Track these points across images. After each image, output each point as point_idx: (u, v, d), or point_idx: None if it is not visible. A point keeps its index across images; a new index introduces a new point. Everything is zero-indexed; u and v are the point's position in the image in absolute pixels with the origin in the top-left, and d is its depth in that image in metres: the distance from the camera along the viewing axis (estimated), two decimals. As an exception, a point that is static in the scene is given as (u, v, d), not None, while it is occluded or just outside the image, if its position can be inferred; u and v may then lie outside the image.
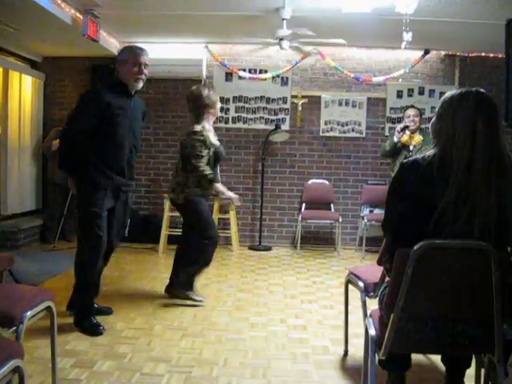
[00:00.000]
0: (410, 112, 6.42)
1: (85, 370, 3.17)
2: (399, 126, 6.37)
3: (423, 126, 7.55)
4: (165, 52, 7.50)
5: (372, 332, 2.40)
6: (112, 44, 7.32)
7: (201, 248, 4.54)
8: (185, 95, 7.72)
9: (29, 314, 2.55)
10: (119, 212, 4.15)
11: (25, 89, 7.54)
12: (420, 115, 6.46)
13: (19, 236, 6.97)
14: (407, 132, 6.30)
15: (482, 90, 2.25)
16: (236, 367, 3.31)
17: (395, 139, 6.33)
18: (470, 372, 2.70)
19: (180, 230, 7.11)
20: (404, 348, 2.36)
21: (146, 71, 3.98)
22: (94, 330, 3.81)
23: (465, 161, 2.13)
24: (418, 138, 6.30)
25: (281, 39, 6.10)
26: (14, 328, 2.47)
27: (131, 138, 4.04)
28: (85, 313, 3.90)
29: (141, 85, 4.00)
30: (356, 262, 6.75)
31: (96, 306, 4.12)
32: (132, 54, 3.94)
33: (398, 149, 6.36)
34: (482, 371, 2.57)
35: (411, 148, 6.29)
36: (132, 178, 4.21)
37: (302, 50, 7.50)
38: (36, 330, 3.52)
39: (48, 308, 2.76)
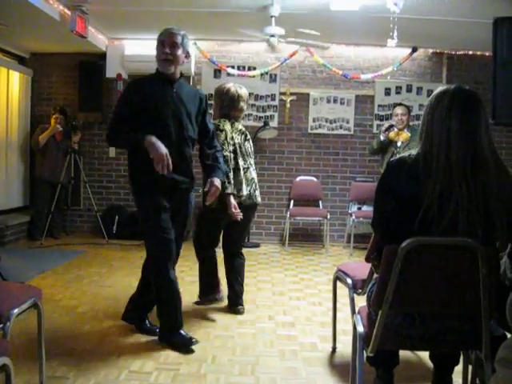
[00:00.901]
0: (398, 110, 6.46)
1: (72, 367, 3.16)
2: (384, 126, 6.42)
3: (411, 124, 7.60)
4: (153, 48, 7.44)
5: (360, 329, 2.41)
6: (100, 40, 7.29)
7: None
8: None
9: (16, 311, 2.53)
10: (178, 213, 3.74)
11: (12, 85, 7.49)
12: (408, 112, 6.50)
13: (6, 233, 6.92)
14: (395, 129, 6.34)
15: (462, 87, 2.27)
16: (224, 364, 3.31)
17: (381, 138, 6.39)
18: (458, 368, 2.71)
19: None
20: (392, 345, 2.37)
21: (173, 51, 3.56)
22: (186, 345, 3.53)
23: (443, 159, 2.16)
24: (405, 134, 6.33)
25: (269, 36, 6.09)
26: (1, 326, 2.45)
27: (178, 127, 3.59)
28: (172, 327, 3.63)
29: (171, 68, 3.60)
30: (344, 258, 6.77)
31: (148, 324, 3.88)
32: (158, 36, 3.63)
33: (386, 146, 6.41)
34: (470, 368, 2.59)
35: (398, 144, 6.33)
36: (187, 174, 3.78)
37: (290, 47, 7.49)
38: (23, 327, 3.50)
39: (35, 305, 2.75)
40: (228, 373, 3.18)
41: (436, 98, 2.27)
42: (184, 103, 3.65)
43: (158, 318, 3.67)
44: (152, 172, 3.39)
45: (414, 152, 2.28)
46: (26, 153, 7.85)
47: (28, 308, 2.69)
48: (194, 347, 3.53)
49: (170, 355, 3.42)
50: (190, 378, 3.08)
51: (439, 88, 2.32)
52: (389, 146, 6.41)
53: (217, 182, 3.80)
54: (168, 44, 3.56)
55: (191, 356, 3.42)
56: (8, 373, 2.08)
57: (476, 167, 2.16)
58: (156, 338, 3.68)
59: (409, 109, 6.56)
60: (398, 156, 2.39)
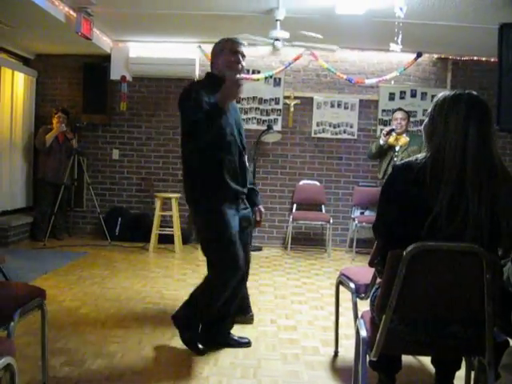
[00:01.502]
0: (398, 115, 6.49)
1: (75, 368, 3.16)
2: (385, 130, 6.41)
3: (415, 128, 7.61)
4: (158, 51, 7.50)
5: (363, 333, 2.41)
6: (105, 42, 7.31)
7: None
8: (177, 94, 7.71)
9: (20, 311, 2.54)
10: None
11: (17, 86, 7.52)
12: (408, 118, 6.53)
13: (9, 233, 6.94)
14: (393, 134, 6.35)
15: (474, 93, 2.26)
16: (226, 367, 3.31)
17: (381, 142, 6.38)
18: (460, 374, 2.71)
19: (171, 230, 7.14)
20: (395, 349, 2.38)
21: (243, 63, 3.57)
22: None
23: (457, 164, 2.14)
24: (404, 139, 6.34)
25: (274, 40, 6.10)
26: (5, 326, 2.45)
27: (238, 136, 3.57)
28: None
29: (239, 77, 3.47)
30: (346, 263, 6.77)
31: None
32: (229, 42, 3.57)
33: (385, 150, 6.43)
34: (472, 373, 2.59)
35: (397, 149, 6.34)
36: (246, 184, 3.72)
37: (295, 51, 7.50)
38: (27, 328, 3.50)
39: (39, 306, 2.75)
40: (230, 375, 3.18)
41: (449, 103, 2.22)
42: (237, 112, 3.69)
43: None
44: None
45: (420, 156, 2.26)
46: (29, 154, 7.87)
47: (32, 308, 2.69)
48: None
49: (172, 357, 3.42)
50: (193, 381, 3.08)
51: (446, 92, 2.29)
52: (387, 151, 6.42)
53: (262, 208, 3.85)
54: (242, 54, 3.59)
55: (194, 358, 3.42)
56: (12, 372, 2.09)
57: (488, 175, 2.16)
58: (159, 340, 3.70)
59: (408, 114, 6.58)
60: (402, 160, 2.38)
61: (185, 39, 7.49)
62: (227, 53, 3.54)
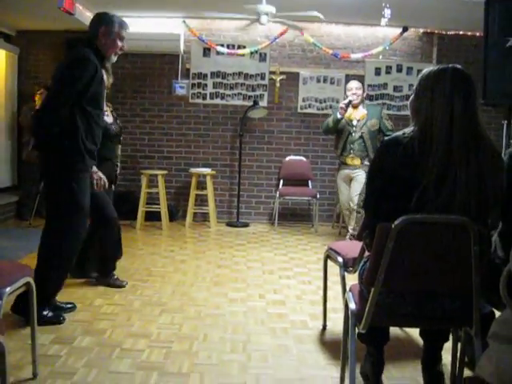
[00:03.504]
0: (352, 84, 6.27)
1: (64, 345, 3.16)
2: (343, 102, 6.15)
3: (401, 104, 7.61)
4: (142, 26, 7.39)
5: (352, 306, 2.43)
6: (88, 18, 7.15)
7: None
8: (162, 70, 7.65)
9: (8, 290, 2.52)
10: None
11: (-2, 63, 7.40)
12: (362, 88, 6.33)
13: (-6, 213, 6.89)
14: (350, 106, 6.15)
15: (458, 67, 2.26)
16: (216, 342, 3.33)
17: (339, 116, 6.10)
18: (447, 346, 2.75)
19: (158, 206, 7.12)
20: (384, 322, 2.40)
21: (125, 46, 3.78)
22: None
23: (444, 138, 2.15)
24: (361, 112, 6.17)
25: (260, 14, 6.05)
26: (-6, 304, 2.44)
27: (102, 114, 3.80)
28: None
29: (115, 60, 3.77)
30: (333, 238, 6.80)
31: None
32: (119, 27, 3.67)
33: (342, 125, 6.19)
34: (459, 345, 2.62)
35: (354, 123, 6.15)
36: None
37: (280, 25, 7.45)
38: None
39: (27, 284, 2.74)
40: (220, 350, 3.20)
41: (434, 78, 2.24)
42: None
43: None
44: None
45: (407, 130, 2.27)
46: (13, 132, 7.78)
47: (20, 287, 2.68)
48: (184, 326, 3.57)
49: (161, 333, 3.43)
50: (182, 356, 3.09)
51: (430, 68, 2.30)
52: (344, 126, 6.18)
53: None
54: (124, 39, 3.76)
55: (183, 334, 3.43)
56: (2, 351, 2.08)
57: (475, 148, 2.17)
58: (148, 316, 3.71)
59: (363, 84, 6.41)
60: (391, 135, 2.38)
61: (169, 14, 7.39)
62: (115, 37, 3.66)
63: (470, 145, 2.16)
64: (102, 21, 3.65)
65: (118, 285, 4.37)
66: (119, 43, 3.68)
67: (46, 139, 3.46)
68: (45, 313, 3.48)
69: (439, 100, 2.19)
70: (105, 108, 4.03)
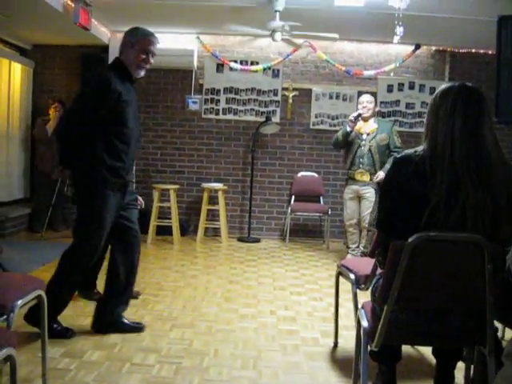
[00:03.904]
0: (364, 98, 6.15)
1: (74, 359, 3.16)
2: (352, 115, 6.04)
3: (413, 121, 7.61)
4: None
5: (365, 324, 2.41)
6: (103, 33, 7.28)
7: None
8: (176, 85, 7.71)
9: (20, 302, 2.53)
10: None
11: (14, 76, 7.47)
12: (375, 102, 6.22)
13: (7, 225, 6.92)
14: (360, 120, 6.06)
15: (466, 84, 2.27)
16: (226, 358, 3.32)
17: (348, 128, 6.01)
18: (460, 364, 2.72)
19: (169, 221, 7.14)
20: (396, 340, 2.38)
21: (152, 61, 3.65)
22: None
23: (448, 156, 2.16)
24: (371, 125, 6.06)
25: (273, 31, 6.08)
26: (5, 317, 2.45)
27: (136, 130, 3.69)
28: None
29: (142, 74, 3.65)
30: (344, 254, 6.75)
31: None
32: (143, 39, 3.56)
33: (352, 138, 6.08)
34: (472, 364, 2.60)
35: (364, 137, 6.02)
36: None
37: (293, 43, 7.48)
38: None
39: (39, 296, 2.74)
40: (230, 366, 3.18)
41: (440, 96, 2.26)
42: (136, 105, 3.82)
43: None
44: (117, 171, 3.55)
45: (419, 149, 2.28)
46: (27, 145, 7.84)
47: (32, 299, 2.68)
48: (195, 341, 3.55)
49: (172, 348, 3.42)
50: (193, 371, 3.08)
51: (443, 85, 2.32)
52: (354, 139, 6.07)
53: None
54: (152, 54, 3.65)
55: (193, 349, 3.42)
56: (13, 363, 2.08)
57: (480, 165, 2.16)
58: (158, 331, 3.70)
59: (375, 98, 6.31)
60: (402, 153, 2.37)
61: (183, 30, 7.46)
62: (139, 49, 3.56)
63: (473, 160, 2.15)
64: (127, 33, 3.62)
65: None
66: (142, 56, 3.54)
67: (67, 155, 3.49)
68: (55, 326, 3.48)
69: (443, 117, 2.21)
70: None
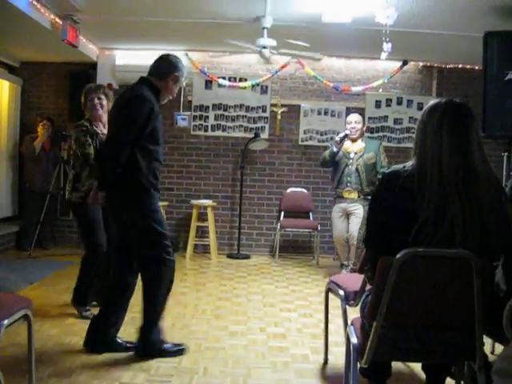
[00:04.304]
0: (352, 118, 6.17)
1: (62, 379, 3.12)
2: (338, 136, 6.08)
3: (401, 136, 7.65)
4: (144, 59, 7.39)
5: (354, 340, 2.40)
6: (91, 50, 7.28)
7: None
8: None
9: (6, 322, 2.49)
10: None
11: (2, 94, 7.46)
12: (363, 121, 6.24)
13: (-6, 243, 6.87)
14: (347, 140, 6.07)
15: (453, 100, 2.29)
16: (216, 376, 3.29)
17: (334, 149, 6.05)
18: (450, 380, 2.71)
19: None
20: (386, 356, 2.37)
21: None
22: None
23: (436, 172, 2.17)
24: (359, 145, 6.07)
25: (262, 48, 6.10)
26: (-9, 336, 2.42)
27: (163, 148, 3.87)
28: None
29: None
30: (334, 270, 6.74)
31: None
32: (183, 77, 3.75)
33: (339, 157, 6.10)
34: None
35: (351, 156, 6.03)
36: None
37: (281, 59, 7.52)
38: (12, 339, 3.46)
39: (25, 316, 2.71)
40: (220, 385, 3.16)
41: (428, 112, 2.28)
42: None
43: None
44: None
45: (407, 164, 2.28)
46: (15, 162, 7.80)
47: (18, 319, 2.65)
48: (184, 359, 3.52)
49: (161, 367, 3.38)
50: (182, 390, 3.05)
51: (431, 101, 2.34)
52: (341, 158, 6.10)
53: None
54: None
55: (183, 367, 3.39)
56: (-3, 383, 2.05)
57: (468, 180, 2.17)
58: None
59: (363, 114, 6.35)
60: (391, 168, 2.38)
61: (171, 47, 7.46)
62: (178, 85, 3.74)
63: (461, 177, 2.16)
64: (176, 66, 3.69)
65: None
66: (176, 91, 3.77)
67: (111, 177, 3.49)
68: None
69: (431, 134, 2.22)
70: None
